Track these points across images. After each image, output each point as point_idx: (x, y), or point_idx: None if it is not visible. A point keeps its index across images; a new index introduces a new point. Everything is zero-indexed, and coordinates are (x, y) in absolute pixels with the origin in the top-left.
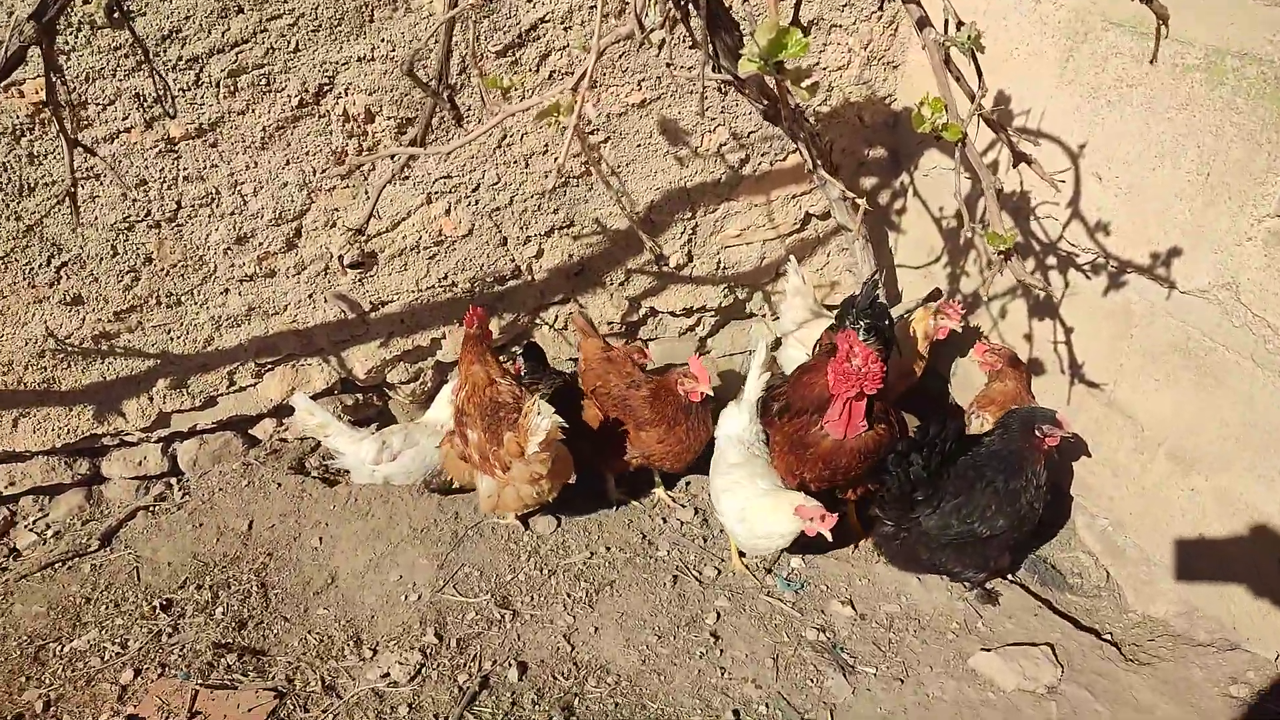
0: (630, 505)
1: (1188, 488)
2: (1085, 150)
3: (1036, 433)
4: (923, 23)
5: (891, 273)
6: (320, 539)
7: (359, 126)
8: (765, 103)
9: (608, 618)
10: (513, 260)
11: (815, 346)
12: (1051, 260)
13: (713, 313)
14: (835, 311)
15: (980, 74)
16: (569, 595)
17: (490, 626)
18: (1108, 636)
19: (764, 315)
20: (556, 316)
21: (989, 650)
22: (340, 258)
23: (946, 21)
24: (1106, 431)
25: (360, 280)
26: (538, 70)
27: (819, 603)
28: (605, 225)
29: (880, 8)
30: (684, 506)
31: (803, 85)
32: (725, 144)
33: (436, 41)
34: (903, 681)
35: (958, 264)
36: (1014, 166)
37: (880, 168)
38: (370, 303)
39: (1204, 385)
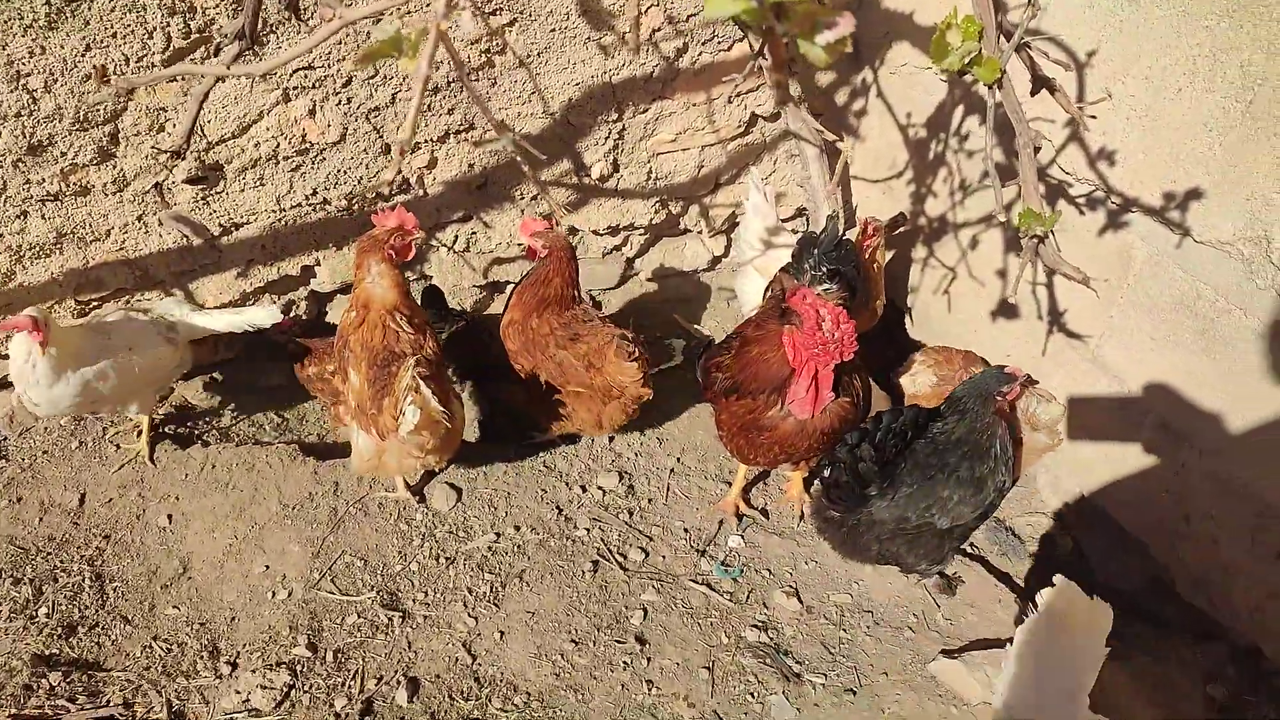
0: (546, 465)
1: (1176, 463)
2: (1094, 59)
3: (996, 398)
4: None
5: (846, 187)
6: (170, 517)
7: (183, 1)
8: None
9: (516, 619)
10: (399, 172)
11: (766, 291)
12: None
13: (641, 230)
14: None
15: None
16: (470, 591)
17: (375, 633)
18: None
19: (700, 232)
20: (456, 237)
21: (951, 655)
22: (171, 170)
23: None
24: (1086, 390)
25: (204, 198)
26: None
27: (761, 593)
28: (513, 128)
29: None
30: (607, 470)
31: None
32: (660, 29)
33: None
34: (855, 693)
35: (924, 181)
36: (1032, 94)
37: (838, 61)
38: (220, 225)
39: (1210, 352)
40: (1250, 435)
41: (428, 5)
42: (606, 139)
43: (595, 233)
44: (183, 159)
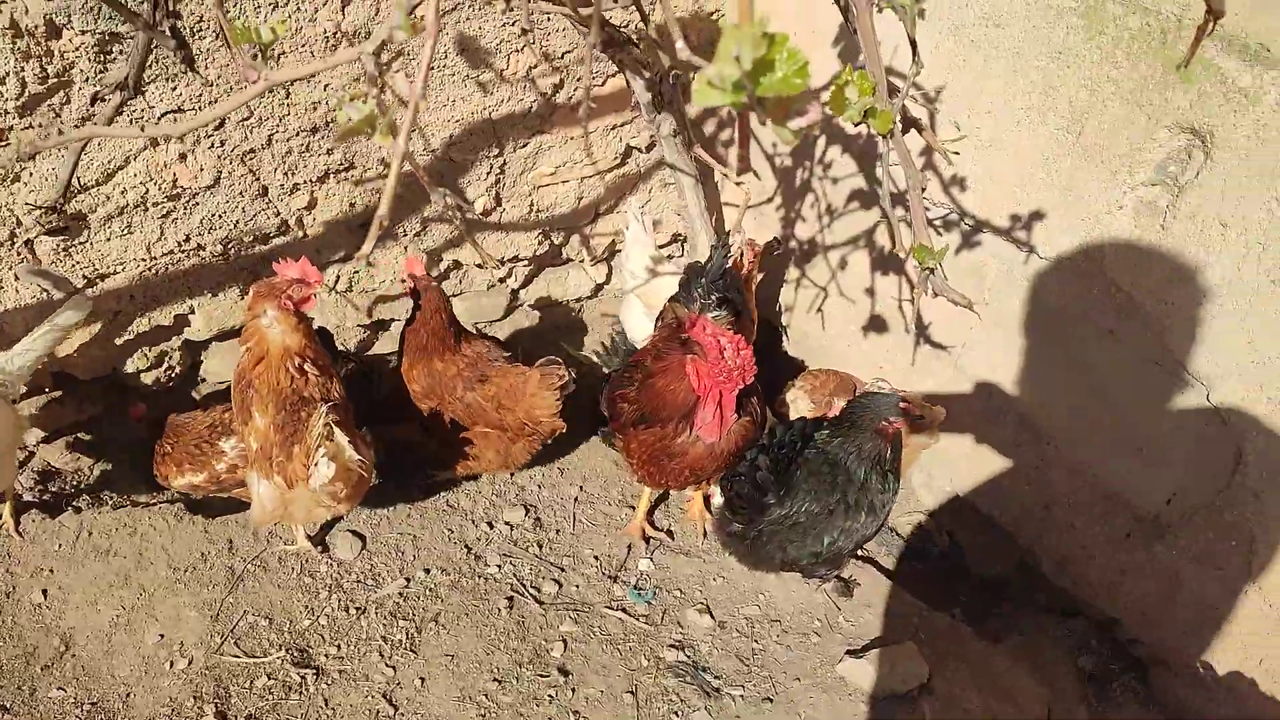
0: (450, 504)
1: (1035, 457)
2: (943, 95)
3: (883, 424)
4: None
5: (719, 212)
6: (45, 592)
7: (39, 44)
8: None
9: (436, 664)
10: (278, 214)
11: (657, 321)
12: (899, 211)
13: (526, 262)
14: (679, 277)
15: (915, 46)
16: (385, 639)
17: (289, 694)
18: (957, 611)
19: (582, 260)
20: (338, 277)
21: (856, 654)
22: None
23: None
24: (953, 394)
25: (66, 249)
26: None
27: (674, 613)
28: (403, 98)
29: None
30: (512, 505)
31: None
32: (536, 67)
33: None
34: (772, 701)
35: (793, 206)
36: (903, 133)
37: (803, 139)
38: (85, 277)
39: (1059, 356)
40: (1095, 429)
41: (355, 65)
42: (488, 174)
43: (480, 265)
44: (58, 213)
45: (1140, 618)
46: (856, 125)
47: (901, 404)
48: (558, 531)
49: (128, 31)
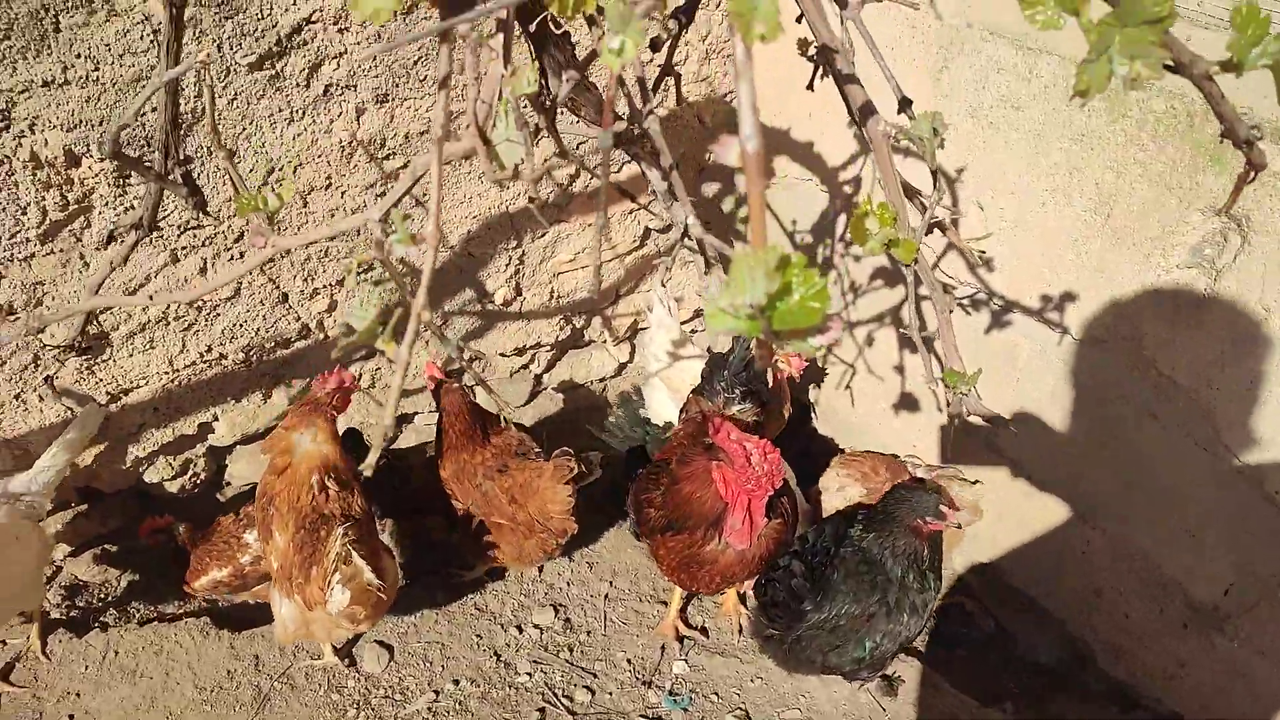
0: (478, 607)
1: (1082, 540)
2: (964, 175)
3: (919, 523)
4: (867, 110)
5: None
6: (71, 717)
7: (59, 174)
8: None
9: None
10: (298, 318)
11: (681, 413)
12: (923, 290)
13: (548, 347)
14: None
15: (936, 177)
16: None
17: None
18: (1009, 706)
19: (604, 342)
20: (360, 374)
21: None
22: (56, 347)
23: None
24: (989, 475)
25: (89, 368)
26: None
27: (712, 719)
28: (414, 264)
29: None
30: (541, 605)
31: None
32: (551, 159)
33: (154, 109)
34: None
35: None
36: (925, 234)
37: (724, 172)
38: (108, 393)
39: (1101, 436)
40: (1142, 513)
41: (356, 233)
42: (507, 265)
43: (502, 354)
44: (77, 352)
45: (1203, 712)
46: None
47: (942, 509)
48: (589, 633)
49: (141, 153)
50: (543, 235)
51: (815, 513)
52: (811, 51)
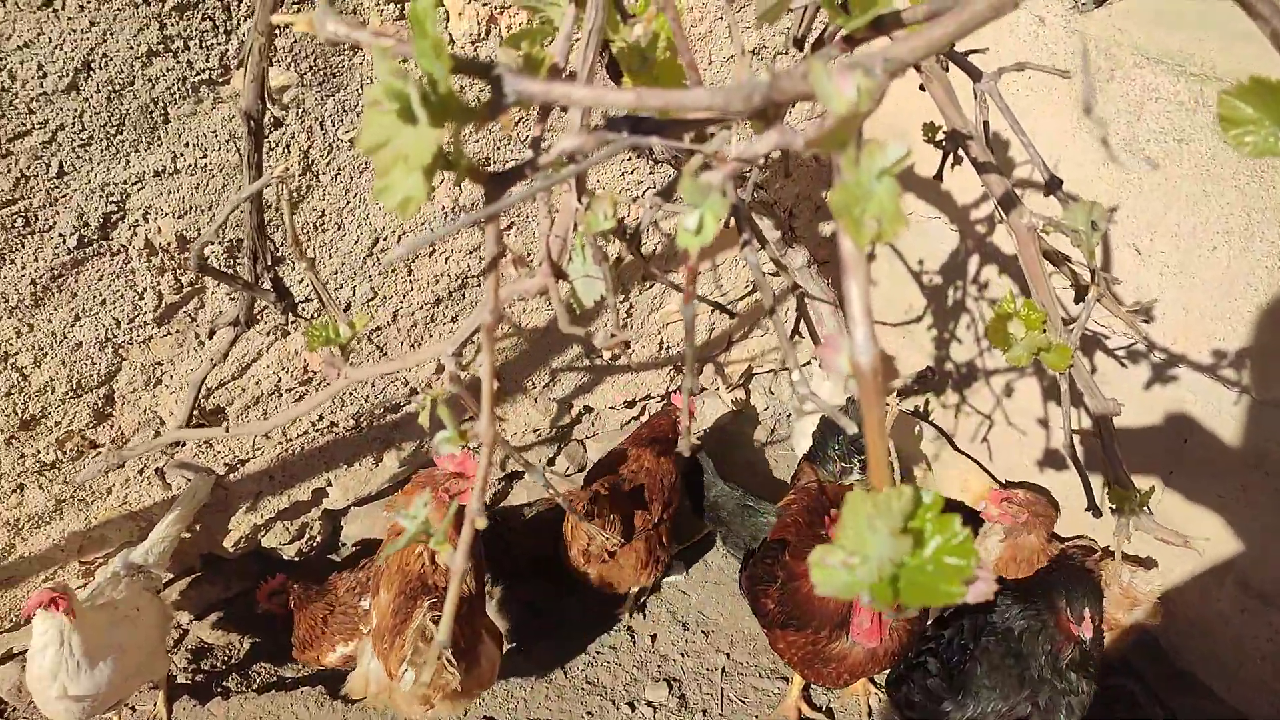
0: (589, 681)
1: (1269, 627)
2: (1116, 216)
3: (1070, 625)
4: (1009, 200)
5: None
6: None
7: (171, 258)
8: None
9: None
10: (406, 383)
11: (792, 481)
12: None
13: (658, 398)
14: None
15: (1095, 276)
16: None
17: None
18: None
19: (717, 389)
20: (466, 433)
21: None
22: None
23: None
24: (1150, 550)
25: (207, 441)
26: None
27: None
28: (519, 324)
29: None
30: (654, 680)
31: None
32: (654, 208)
33: (241, 213)
34: None
35: (945, 326)
36: (1075, 302)
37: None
38: (225, 465)
39: None
40: None
41: (427, 368)
42: (616, 319)
43: (612, 407)
44: (182, 445)
45: None
46: (1023, 367)
47: (1090, 616)
48: (704, 712)
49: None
50: (650, 286)
51: None
52: (940, 137)
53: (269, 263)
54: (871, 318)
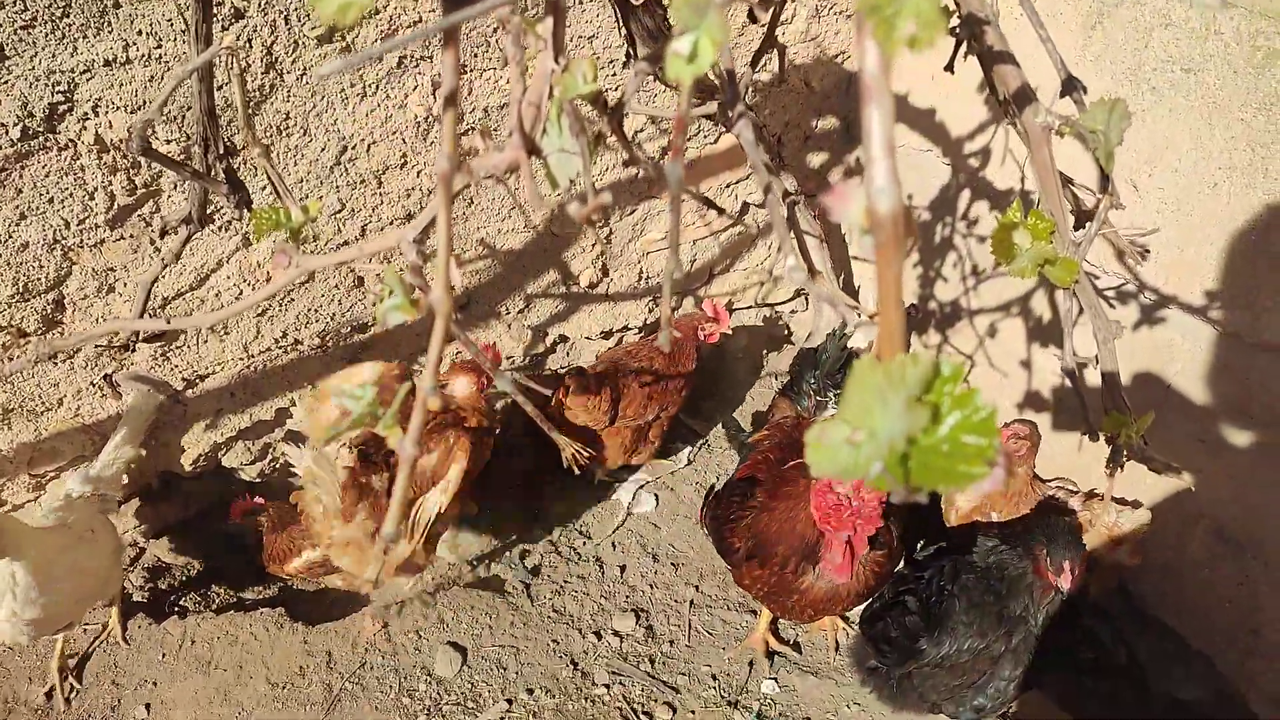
0: (556, 610)
1: (1238, 573)
2: (1118, 151)
3: (1044, 565)
4: (1024, 98)
5: (847, 268)
6: (148, 706)
7: (124, 156)
8: (700, 98)
9: None
10: (375, 302)
11: (766, 415)
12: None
13: (636, 330)
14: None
15: (1108, 181)
16: None
17: None
18: None
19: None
20: (441, 359)
21: None
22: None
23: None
24: (1131, 493)
25: (164, 354)
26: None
27: None
28: (494, 245)
29: None
30: (622, 610)
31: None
32: (642, 130)
33: (190, 96)
34: None
35: (932, 265)
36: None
37: (831, 141)
38: (184, 379)
39: (1266, 458)
40: None
41: (384, 257)
42: (593, 245)
43: (588, 338)
44: (147, 339)
45: None
46: (1027, 279)
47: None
48: (671, 643)
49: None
50: (632, 212)
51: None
52: (954, 23)
53: (220, 151)
54: (894, 154)
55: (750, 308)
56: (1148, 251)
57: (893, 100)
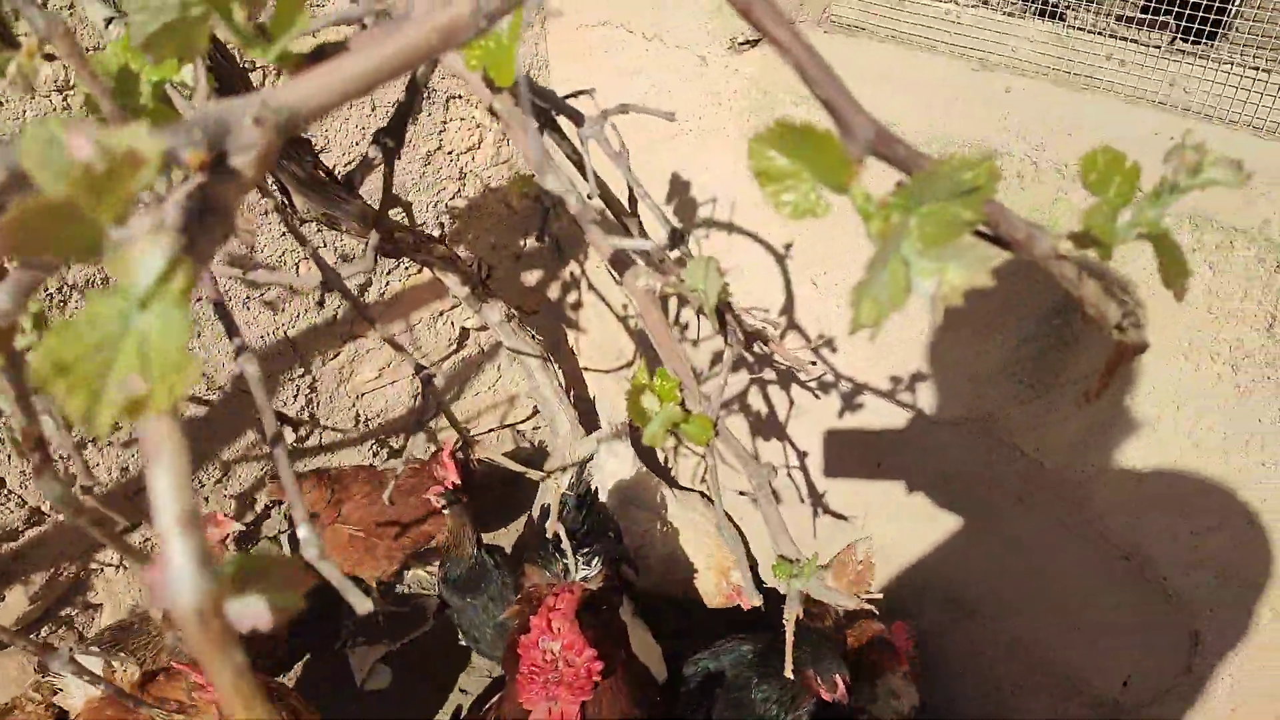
0: None
1: (970, 637)
2: (793, 251)
3: (815, 682)
4: (622, 262)
5: (579, 379)
6: None
7: None
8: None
9: None
10: (22, 503)
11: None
12: (770, 375)
13: None
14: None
15: (725, 326)
16: None
17: None
18: None
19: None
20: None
21: None
22: None
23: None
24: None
25: None
26: None
27: None
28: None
29: None
30: None
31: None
32: (334, 265)
33: None
34: None
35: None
36: (746, 349)
37: (542, 258)
38: None
39: (973, 525)
40: (1027, 603)
41: None
42: (296, 397)
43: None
44: None
45: None
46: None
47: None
48: None
49: None
50: (336, 355)
51: None
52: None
53: None
54: (195, 529)
55: (489, 431)
56: (815, 363)
57: (187, 458)
